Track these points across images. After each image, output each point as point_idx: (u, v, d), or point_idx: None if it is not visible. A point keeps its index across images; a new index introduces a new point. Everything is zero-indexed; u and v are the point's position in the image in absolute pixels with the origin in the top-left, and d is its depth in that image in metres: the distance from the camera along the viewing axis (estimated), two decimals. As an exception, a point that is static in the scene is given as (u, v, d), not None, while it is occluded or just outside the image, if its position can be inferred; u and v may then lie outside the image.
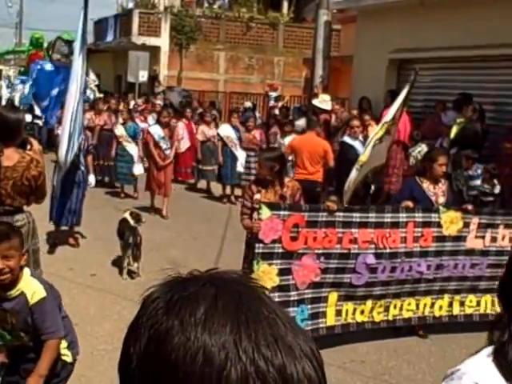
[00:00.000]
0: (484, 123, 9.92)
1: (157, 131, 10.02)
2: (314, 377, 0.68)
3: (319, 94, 13.07)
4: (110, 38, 26.61)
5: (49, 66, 16.05)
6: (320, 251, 4.94)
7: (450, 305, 5.61)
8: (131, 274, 6.82)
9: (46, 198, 4.63)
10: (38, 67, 14.87)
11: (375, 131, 7.40)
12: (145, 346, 0.70)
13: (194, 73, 24.41)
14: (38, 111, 16.53)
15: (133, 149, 11.36)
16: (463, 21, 10.76)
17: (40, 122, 16.81)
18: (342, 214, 5.03)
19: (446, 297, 5.59)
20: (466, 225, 5.49)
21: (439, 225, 5.38)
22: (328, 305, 5.10)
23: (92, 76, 17.07)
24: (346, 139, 9.43)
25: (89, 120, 13.04)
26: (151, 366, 0.69)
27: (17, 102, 16.99)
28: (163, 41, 24.27)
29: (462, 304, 5.65)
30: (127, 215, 7.00)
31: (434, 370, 5.04)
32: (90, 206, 8.50)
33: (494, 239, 5.63)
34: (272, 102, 17.52)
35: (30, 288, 3.03)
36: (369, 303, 5.25)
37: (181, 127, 12.88)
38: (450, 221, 5.42)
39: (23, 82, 17.86)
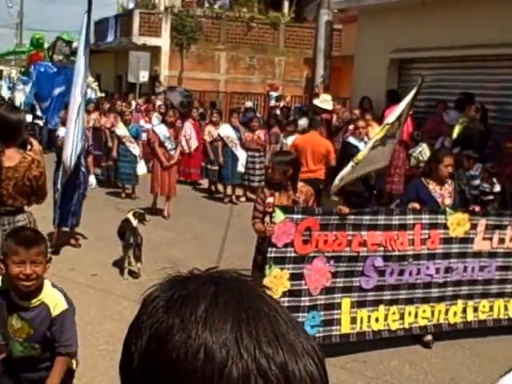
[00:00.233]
0: (487, 123, 9.92)
1: (162, 131, 9.93)
2: (315, 374, 0.68)
3: (320, 93, 13.07)
4: (110, 38, 26.61)
5: (50, 67, 16.08)
6: (330, 254, 4.90)
7: (464, 311, 5.51)
8: (132, 274, 6.81)
9: (46, 198, 4.63)
10: (42, 69, 14.89)
11: (376, 132, 7.34)
12: (146, 345, 0.70)
13: (194, 73, 24.40)
14: (38, 111, 16.55)
15: (135, 149, 11.36)
16: (464, 20, 10.74)
17: (41, 123, 16.83)
18: (352, 216, 4.97)
19: (460, 302, 5.49)
20: (473, 226, 5.42)
21: (446, 226, 5.31)
22: (342, 312, 5.03)
23: (90, 78, 17.09)
24: (351, 140, 9.38)
25: (95, 120, 13.09)
26: (152, 364, 0.69)
27: (17, 103, 17.00)
28: (164, 41, 24.27)
29: (475, 310, 5.55)
30: (130, 215, 6.98)
31: (436, 370, 5.04)
32: (91, 206, 8.50)
33: (501, 241, 5.56)
34: (273, 102, 17.52)
35: (53, 299, 2.98)
36: (381, 309, 5.17)
37: (188, 127, 12.88)
38: (457, 222, 5.35)
39: (25, 83, 17.88)
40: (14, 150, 4.32)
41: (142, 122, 13.81)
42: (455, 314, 5.48)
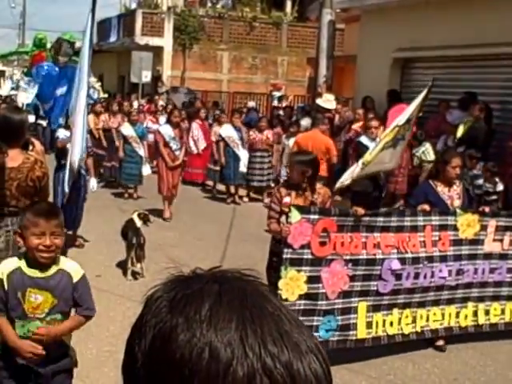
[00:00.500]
0: (491, 123, 9.89)
1: (167, 131, 9.87)
2: (320, 373, 0.68)
3: (323, 93, 13.05)
4: (113, 38, 26.64)
5: (53, 68, 16.10)
6: (348, 257, 4.82)
7: (475, 314, 5.44)
8: (135, 274, 6.82)
9: (48, 199, 4.62)
10: (44, 70, 14.91)
11: (385, 133, 7.22)
12: (150, 345, 0.70)
13: (197, 73, 24.41)
14: (41, 112, 16.56)
15: (141, 150, 11.36)
16: (467, 19, 10.72)
17: (44, 123, 16.85)
18: (367, 218, 4.89)
19: (470, 305, 5.42)
20: (483, 228, 5.35)
21: (456, 228, 5.24)
22: (358, 316, 4.93)
23: (93, 78, 17.10)
24: (363, 139, 9.29)
25: (104, 122, 13.13)
26: (157, 364, 0.68)
27: (20, 103, 17.01)
28: (166, 41, 24.28)
29: (487, 313, 5.48)
30: (135, 216, 6.97)
31: (440, 370, 5.03)
32: (94, 206, 8.51)
33: None
34: (275, 102, 17.50)
35: (70, 266, 3.04)
36: (395, 313, 5.10)
37: (195, 128, 12.87)
38: (467, 224, 5.28)
39: (28, 83, 17.88)
40: (17, 150, 4.32)
41: (149, 123, 13.83)
42: (466, 317, 5.40)
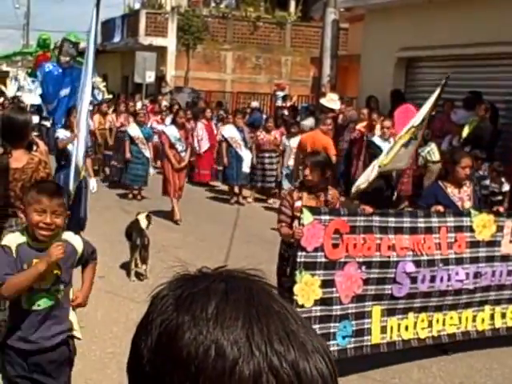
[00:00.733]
0: (497, 122, 9.85)
1: (173, 132, 9.74)
2: (326, 373, 0.68)
3: (327, 93, 13.02)
4: (117, 38, 26.65)
5: (56, 69, 16.10)
6: (361, 259, 4.68)
7: (492, 317, 5.33)
8: (139, 276, 6.79)
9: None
10: (47, 70, 14.93)
11: (400, 135, 7.13)
12: (156, 342, 0.70)
13: (201, 73, 24.40)
14: (45, 113, 16.56)
15: (147, 151, 11.33)
16: (471, 18, 10.68)
17: (48, 124, 16.84)
18: (378, 218, 4.74)
19: (487, 308, 5.30)
20: (500, 229, 5.22)
21: (471, 229, 5.11)
22: (372, 321, 4.78)
23: (98, 78, 17.11)
24: (376, 140, 9.24)
25: (110, 122, 13.14)
26: (162, 361, 0.68)
27: (26, 103, 17.01)
28: (170, 41, 24.28)
29: (503, 316, 5.37)
30: (141, 217, 6.94)
31: (445, 373, 4.99)
32: (98, 207, 8.49)
33: None
34: (279, 102, 17.47)
35: (72, 238, 3.12)
36: (411, 317, 4.96)
37: (200, 127, 12.84)
38: (483, 225, 5.15)
39: (33, 84, 17.89)
40: (22, 151, 4.32)
41: (154, 124, 13.83)
42: (483, 320, 5.29)
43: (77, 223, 7.46)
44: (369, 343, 4.78)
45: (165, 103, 17.40)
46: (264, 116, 15.32)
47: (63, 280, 3.02)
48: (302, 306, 4.41)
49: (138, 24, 24.35)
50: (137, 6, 27.51)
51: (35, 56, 20.53)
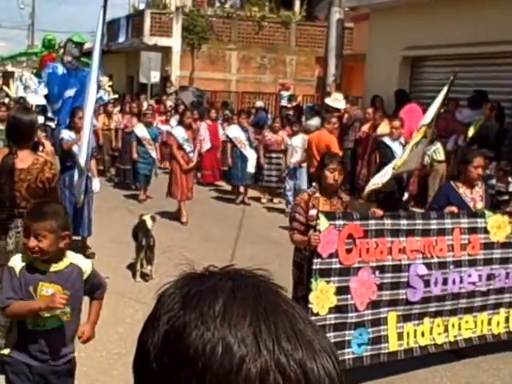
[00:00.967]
0: (504, 121, 9.80)
1: (180, 133, 9.64)
2: (333, 373, 0.68)
3: (332, 92, 12.99)
4: (121, 38, 26.67)
5: (60, 69, 16.12)
6: (374, 264, 4.58)
7: (507, 320, 5.26)
8: (144, 276, 6.79)
9: (58, 200, 4.60)
10: (51, 71, 14.96)
11: (414, 135, 7.08)
12: (163, 339, 0.70)
13: (205, 73, 24.40)
14: (50, 113, 16.58)
15: (154, 151, 11.33)
16: (477, 17, 10.63)
17: (52, 124, 16.86)
18: (389, 221, 4.67)
19: (503, 311, 5.24)
20: None
21: (486, 230, 5.03)
22: (389, 327, 4.70)
23: (105, 78, 17.13)
24: (386, 140, 9.20)
25: (116, 122, 13.14)
26: (169, 358, 0.68)
27: (31, 104, 17.04)
28: (175, 41, 24.29)
29: None
30: (147, 217, 6.93)
31: (452, 373, 4.97)
32: (104, 208, 8.50)
33: None
34: (284, 102, 17.44)
35: (79, 260, 3.09)
36: (426, 322, 4.90)
37: (203, 128, 12.83)
38: (497, 226, 5.08)
39: (38, 84, 17.92)
40: (27, 151, 4.31)
41: (159, 124, 13.83)
42: (498, 323, 5.22)
43: (84, 225, 7.42)
44: (386, 351, 4.70)
45: (170, 103, 17.40)
46: (269, 116, 15.31)
47: (70, 303, 2.98)
48: (317, 314, 4.35)
49: (143, 24, 24.37)
50: (141, 6, 27.54)
51: (40, 56, 20.57)
